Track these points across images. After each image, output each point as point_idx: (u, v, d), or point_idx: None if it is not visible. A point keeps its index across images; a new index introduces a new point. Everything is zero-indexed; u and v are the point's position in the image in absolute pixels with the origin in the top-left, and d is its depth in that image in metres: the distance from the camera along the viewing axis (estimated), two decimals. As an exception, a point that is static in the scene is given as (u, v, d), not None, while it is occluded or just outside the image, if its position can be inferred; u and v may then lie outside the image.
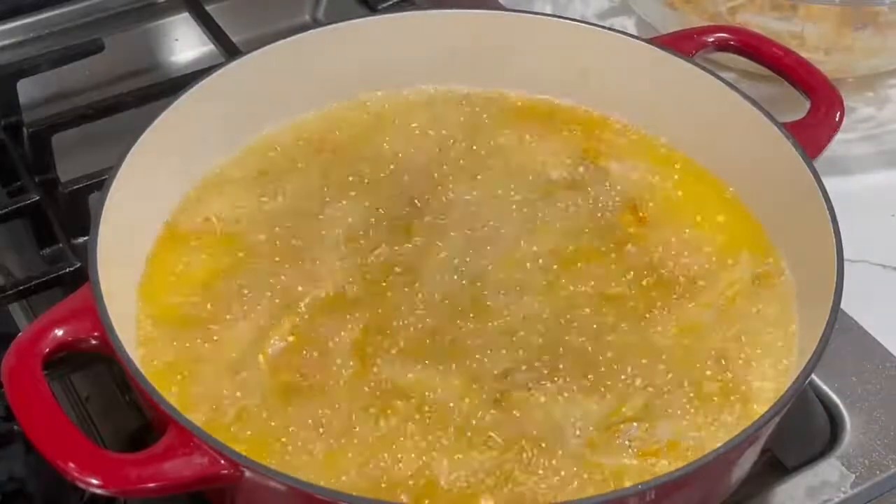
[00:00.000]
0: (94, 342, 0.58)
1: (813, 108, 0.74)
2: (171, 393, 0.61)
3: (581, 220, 0.72)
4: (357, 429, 0.60)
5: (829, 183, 0.66)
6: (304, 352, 0.63)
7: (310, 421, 0.60)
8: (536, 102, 0.80)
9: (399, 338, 0.64)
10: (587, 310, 0.66)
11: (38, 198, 0.77)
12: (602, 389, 0.62)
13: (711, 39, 0.79)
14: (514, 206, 0.72)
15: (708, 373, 0.63)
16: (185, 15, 0.95)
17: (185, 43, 0.98)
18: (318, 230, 0.70)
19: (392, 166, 0.75)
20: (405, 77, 0.79)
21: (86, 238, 0.62)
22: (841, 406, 0.69)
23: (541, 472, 0.58)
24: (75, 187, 0.77)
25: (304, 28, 0.78)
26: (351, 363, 0.63)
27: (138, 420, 0.67)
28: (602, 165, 0.75)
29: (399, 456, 0.59)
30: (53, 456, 0.53)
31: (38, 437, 0.53)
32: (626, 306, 0.66)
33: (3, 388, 0.56)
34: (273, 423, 0.60)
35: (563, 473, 0.58)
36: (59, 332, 0.58)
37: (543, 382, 0.62)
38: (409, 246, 0.69)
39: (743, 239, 0.71)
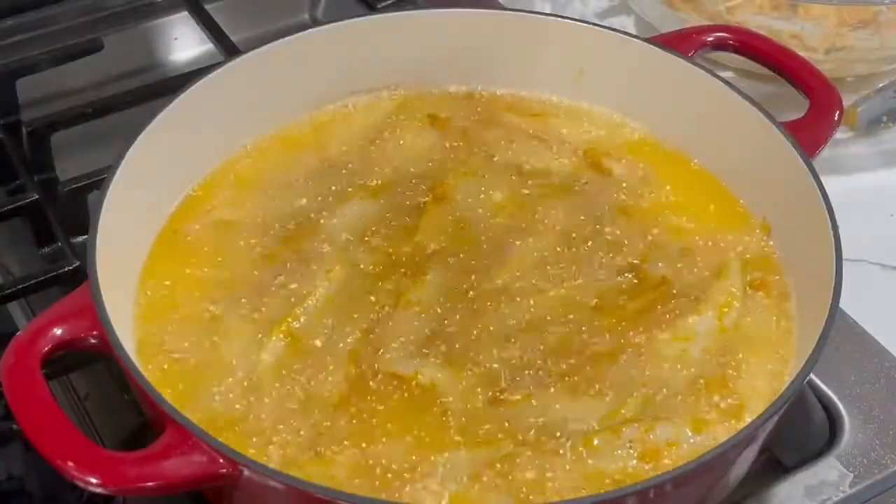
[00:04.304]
0: (93, 341, 0.58)
1: (812, 107, 0.73)
2: (170, 392, 0.61)
3: (581, 222, 0.72)
4: (355, 427, 0.60)
5: (828, 183, 0.66)
6: (304, 351, 0.64)
7: (308, 420, 0.60)
8: (535, 102, 0.80)
9: (398, 338, 0.64)
10: (585, 312, 0.66)
11: (37, 197, 0.77)
12: (601, 391, 0.62)
13: (710, 39, 0.79)
14: (513, 207, 0.72)
15: (706, 373, 0.63)
16: (185, 14, 0.95)
17: (184, 42, 0.98)
18: (318, 230, 0.70)
19: (392, 166, 0.75)
20: (405, 77, 0.79)
21: (85, 237, 0.62)
22: (839, 405, 0.69)
23: (540, 472, 0.58)
24: (74, 186, 0.77)
25: (303, 27, 0.78)
26: (350, 363, 0.63)
27: (137, 419, 0.67)
28: (602, 165, 0.75)
29: (397, 454, 0.59)
30: (52, 455, 0.53)
31: (37, 435, 0.53)
32: (624, 308, 0.66)
33: (1, 386, 0.56)
34: (272, 422, 0.60)
35: (561, 473, 0.58)
36: (58, 331, 0.58)
37: (542, 383, 0.62)
38: (409, 247, 0.69)
39: (741, 238, 0.71)
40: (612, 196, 0.74)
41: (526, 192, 0.73)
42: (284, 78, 0.75)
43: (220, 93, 0.72)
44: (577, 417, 0.61)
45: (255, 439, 0.59)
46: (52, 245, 0.77)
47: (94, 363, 0.69)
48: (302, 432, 0.60)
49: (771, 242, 0.70)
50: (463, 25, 0.78)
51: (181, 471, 0.53)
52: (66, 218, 0.77)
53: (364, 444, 0.59)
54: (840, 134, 0.73)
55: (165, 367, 0.62)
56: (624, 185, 0.74)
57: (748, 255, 0.70)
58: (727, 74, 0.90)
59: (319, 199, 0.72)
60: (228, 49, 0.88)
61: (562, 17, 0.79)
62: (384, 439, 0.59)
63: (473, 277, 0.68)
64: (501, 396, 0.61)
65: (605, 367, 0.63)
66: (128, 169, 0.65)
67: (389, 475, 0.58)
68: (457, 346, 0.64)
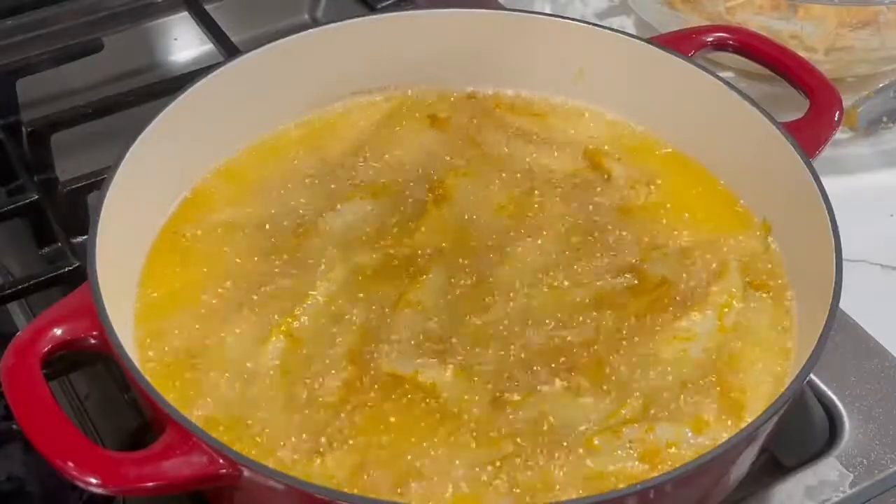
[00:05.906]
0: (93, 341, 0.58)
1: (812, 107, 0.73)
2: (170, 392, 0.61)
3: (581, 222, 0.72)
4: (355, 427, 0.60)
5: (828, 183, 0.66)
6: (304, 352, 0.63)
7: (308, 419, 0.60)
8: (536, 102, 0.80)
9: (398, 337, 0.64)
10: (586, 313, 0.66)
11: (37, 197, 0.77)
12: (601, 391, 0.62)
13: (710, 39, 0.79)
14: (514, 207, 0.72)
15: (706, 373, 0.63)
16: (185, 14, 0.95)
17: (184, 42, 0.98)
18: (317, 231, 0.70)
19: (392, 167, 0.75)
20: (405, 77, 0.79)
21: (85, 237, 0.62)
22: (840, 406, 0.69)
23: (540, 472, 0.58)
24: (74, 186, 0.77)
25: (303, 27, 0.77)
26: (350, 363, 0.63)
27: (137, 419, 0.67)
28: (602, 165, 0.75)
29: (397, 454, 0.59)
30: (52, 455, 0.52)
31: (37, 436, 0.53)
32: (624, 308, 0.66)
33: (1, 387, 0.56)
34: (272, 422, 0.60)
35: (561, 474, 0.58)
36: (58, 332, 0.58)
37: (542, 383, 0.62)
38: (409, 247, 0.69)
39: (741, 238, 0.71)
40: (612, 196, 0.74)
41: (526, 192, 0.73)
42: (284, 78, 0.75)
43: (220, 93, 0.72)
44: (577, 417, 0.61)
45: (255, 439, 0.59)
46: (52, 245, 0.77)
47: (94, 363, 0.69)
48: (302, 432, 0.60)
49: (771, 242, 0.70)
50: (463, 25, 0.78)
51: (181, 471, 0.53)
52: (65, 218, 0.77)
53: (364, 444, 0.59)
54: (840, 134, 0.73)
55: (165, 367, 0.62)
56: (624, 184, 0.74)
57: (748, 255, 0.70)
58: (727, 74, 0.90)
59: (319, 199, 0.72)
60: (228, 49, 0.88)
61: (562, 17, 0.79)
62: (384, 439, 0.59)
63: (474, 277, 0.68)
64: (502, 396, 0.61)
65: (606, 368, 0.63)
66: (128, 169, 0.65)
67: (389, 475, 0.58)
68: (457, 346, 0.64)
